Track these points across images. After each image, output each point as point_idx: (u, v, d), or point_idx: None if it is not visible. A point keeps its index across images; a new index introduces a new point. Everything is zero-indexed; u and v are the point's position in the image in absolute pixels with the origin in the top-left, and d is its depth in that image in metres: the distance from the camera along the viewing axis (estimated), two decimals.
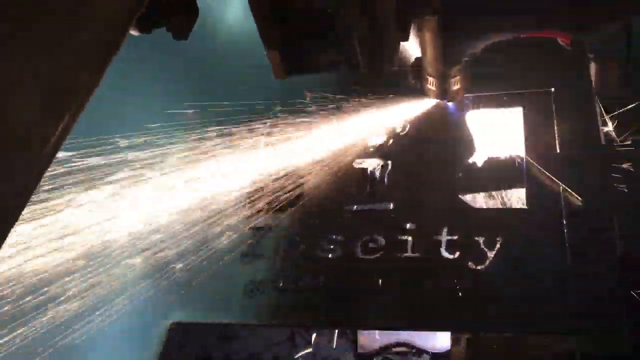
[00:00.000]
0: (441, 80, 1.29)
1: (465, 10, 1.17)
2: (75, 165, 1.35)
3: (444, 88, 1.31)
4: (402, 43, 1.09)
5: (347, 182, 1.46)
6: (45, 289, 1.28)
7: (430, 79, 1.29)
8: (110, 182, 1.40)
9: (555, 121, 1.40)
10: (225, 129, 1.54)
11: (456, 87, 1.31)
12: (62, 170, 1.31)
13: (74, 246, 1.33)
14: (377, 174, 1.46)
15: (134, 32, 0.82)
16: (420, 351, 1.66)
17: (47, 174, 0.57)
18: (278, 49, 0.99)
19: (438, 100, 1.37)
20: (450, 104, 1.45)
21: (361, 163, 1.49)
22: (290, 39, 0.99)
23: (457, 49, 1.23)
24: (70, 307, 1.38)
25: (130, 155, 1.44)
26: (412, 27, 1.13)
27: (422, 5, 1.09)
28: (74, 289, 1.37)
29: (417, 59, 1.29)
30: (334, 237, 1.35)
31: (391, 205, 1.38)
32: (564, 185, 1.27)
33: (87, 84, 0.58)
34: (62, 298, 1.35)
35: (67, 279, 1.34)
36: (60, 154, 1.11)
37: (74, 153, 1.34)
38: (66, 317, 1.34)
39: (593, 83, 1.45)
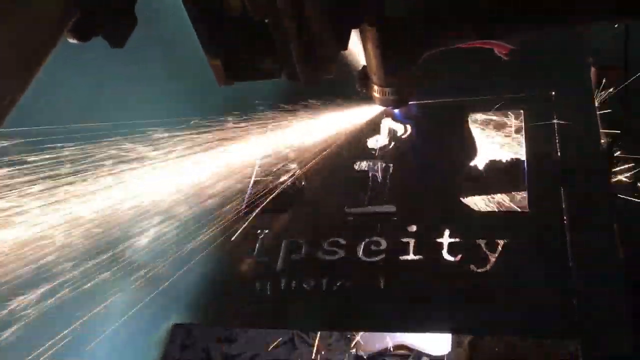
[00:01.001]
0: (384, 88, 1.31)
1: (403, 22, 1.20)
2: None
3: (388, 95, 1.33)
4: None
5: (349, 185, 1.46)
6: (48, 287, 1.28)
7: (376, 87, 1.31)
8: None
9: (555, 125, 1.41)
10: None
11: (401, 94, 1.33)
12: None
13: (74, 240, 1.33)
14: (379, 176, 1.46)
15: (72, 40, 0.82)
16: (419, 354, 1.66)
17: None
18: (219, 56, 1.02)
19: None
20: (396, 111, 1.46)
21: (363, 166, 1.49)
22: (230, 48, 1.01)
23: (397, 59, 1.25)
24: (69, 307, 1.37)
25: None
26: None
27: (357, 17, 1.12)
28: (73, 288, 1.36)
29: (364, 66, 1.32)
30: (336, 239, 1.35)
31: (393, 208, 1.38)
32: (564, 189, 1.28)
33: (11, 92, 0.58)
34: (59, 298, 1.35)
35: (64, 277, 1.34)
36: None
37: None
38: (66, 318, 1.34)
39: (593, 87, 1.47)
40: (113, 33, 0.95)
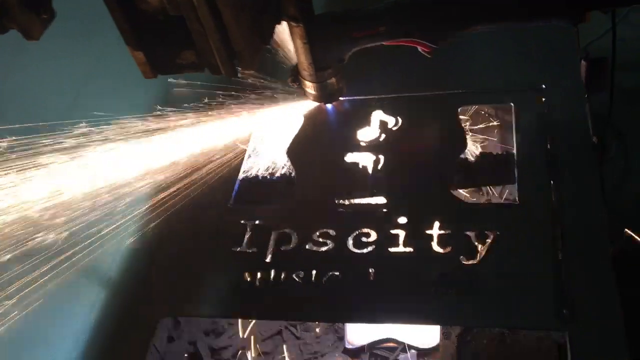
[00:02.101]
0: (315, 83, 1.34)
1: (328, 19, 1.25)
2: None
3: (319, 91, 1.37)
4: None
5: (339, 177, 1.46)
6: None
7: (306, 82, 1.34)
8: None
9: (545, 118, 1.41)
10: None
11: (331, 89, 1.37)
12: None
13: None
14: (370, 168, 1.45)
15: None
16: (408, 347, 1.66)
17: None
18: (141, 50, 1.05)
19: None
20: (328, 105, 1.49)
21: (354, 157, 1.48)
22: (152, 41, 1.05)
23: (324, 55, 1.29)
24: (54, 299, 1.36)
25: None
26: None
27: (276, 13, 1.16)
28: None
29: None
30: (326, 230, 1.35)
31: (383, 200, 1.37)
32: (554, 181, 1.28)
33: None
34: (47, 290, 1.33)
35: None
36: None
37: None
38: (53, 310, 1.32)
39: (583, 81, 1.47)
40: (29, 26, 0.97)
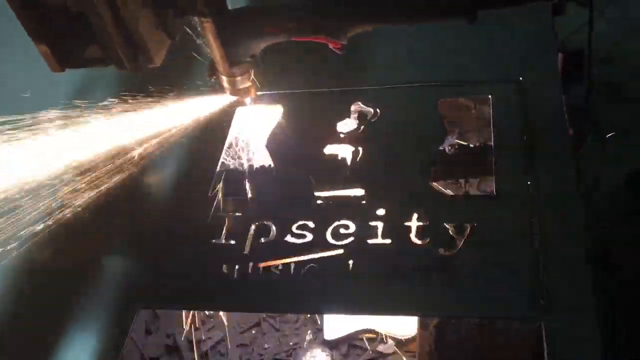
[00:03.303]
0: (230, 78, 1.34)
1: (238, 14, 1.26)
2: None
3: (234, 85, 1.37)
4: None
5: (318, 169, 1.45)
6: None
7: (222, 77, 1.35)
8: None
9: (523, 110, 1.42)
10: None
11: (245, 84, 1.37)
12: None
13: None
14: (349, 160, 1.45)
15: None
16: (386, 337, 1.67)
17: None
18: (45, 43, 1.04)
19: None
20: (248, 100, 1.48)
21: (333, 149, 1.48)
22: (59, 35, 1.04)
23: (236, 50, 1.30)
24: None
25: None
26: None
27: (184, 9, 1.16)
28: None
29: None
30: (305, 222, 1.34)
31: (362, 192, 1.38)
32: (531, 173, 1.30)
33: None
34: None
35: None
36: None
37: None
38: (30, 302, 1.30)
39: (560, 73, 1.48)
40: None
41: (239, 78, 1.35)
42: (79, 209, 1.37)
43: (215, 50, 1.28)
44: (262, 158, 1.58)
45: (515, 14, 1.61)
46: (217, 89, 1.43)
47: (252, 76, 1.37)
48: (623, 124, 3.05)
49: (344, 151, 1.48)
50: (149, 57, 1.09)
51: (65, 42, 1.06)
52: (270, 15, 1.30)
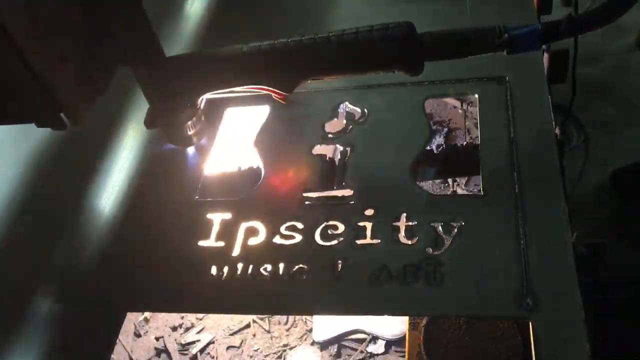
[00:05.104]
0: (170, 127, 1.33)
1: (174, 63, 1.23)
2: None
3: (174, 135, 1.37)
4: None
5: (306, 169, 1.45)
6: None
7: (162, 125, 1.33)
8: None
9: (509, 109, 1.43)
10: None
11: (190, 132, 1.36)
12: None
13: None
14: (337, 160, 1.46)
15: None
16: (375, 338, 1.67)
17: None
18: None
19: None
20: (189, 149, 1.48)
21: (321, 150, 1.48)
22: None
23: (174, 100, 1.28)
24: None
25: None
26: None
27: (113, 60, 1.10)
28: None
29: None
30: (293, 224, 1.34)
31: (350, 192, 1.38)
32: (518, 172, 1.31)
33: None
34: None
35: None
36: None
37: None
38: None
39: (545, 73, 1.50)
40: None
41: (179, 127, 1.33)
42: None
43: (150, 99, 1.26)
44: (250, 159, 1.58)
45: (500, 14, 1.62)
46: None
47: (195, 125, 1.35)
48: (608, 123, 3.09)
49: (332, 151, 1.48)
50: (71, 115, 1.00)
51: None
52: (207, 66, 1.26)
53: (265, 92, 1.27)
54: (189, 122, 1.34)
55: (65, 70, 0.98)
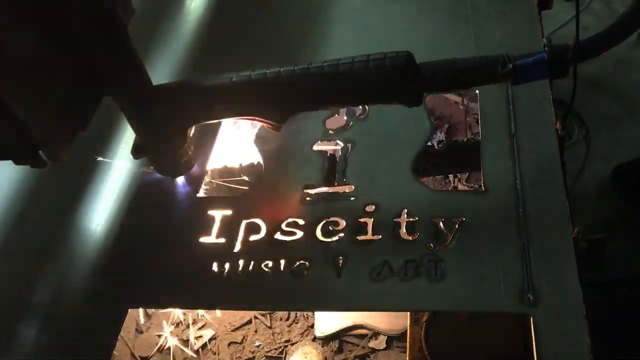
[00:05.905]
0: (161, 157, 1.30)
1: (159, 94, 1.18)
2: None
3: (162, 165, 1.34)
4: None
5: (307, 165, 1.45)
6: None
7: (149, 156, 1.31)
8: None
9: (510, 104, 1.43)
10: None
11: (176, 163, 1.33)
12: None
13: None
14: (338, 156, 1.46)
15: None
16: (377, 333, 1.68)
17: None
18: None
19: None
20: (179, 179, 1.45)
21: (322, 146, 1.48)
22: None
23: (164, 132, 1.24)
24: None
25: None
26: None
27: (95, 93, 1.07)
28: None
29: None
30: (295, 220, 1.34)
31: (351, 188, 1.38)
32: (519, 168, 1.31)
33: None
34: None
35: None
36: None
37: None
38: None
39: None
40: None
41: (167, 157, 1.30)
42: None
43: (135, 131, 1.22)
44: (251, 155, 1.58)
45: (500, 10, 1.62)
46: None
47: (185, 154, 1.32)
48: (609, 118, 3.09)
49: (333, 147, 1.48)
50: (51, 153, 0.97)
51: None
52: (196, 97, 1.21)
53: (257, 121, 1.25)
54: (178, 152, 1.30)
55: (43, 108, 0.95)
